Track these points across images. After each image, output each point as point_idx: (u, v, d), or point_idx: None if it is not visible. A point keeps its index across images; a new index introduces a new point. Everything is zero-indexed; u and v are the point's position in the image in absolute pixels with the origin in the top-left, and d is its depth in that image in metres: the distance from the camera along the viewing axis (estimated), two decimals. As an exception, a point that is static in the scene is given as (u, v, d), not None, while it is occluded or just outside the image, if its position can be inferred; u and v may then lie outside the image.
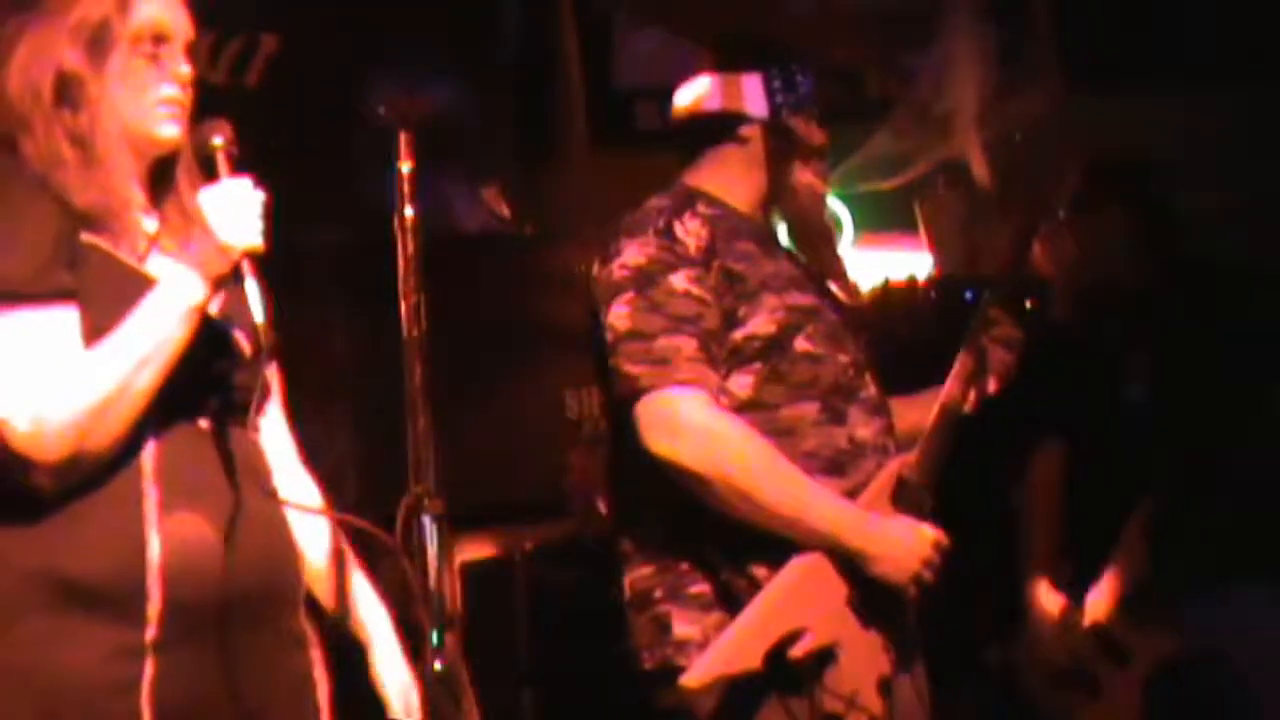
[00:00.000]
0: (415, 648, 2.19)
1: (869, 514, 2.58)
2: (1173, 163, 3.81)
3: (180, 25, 2.21)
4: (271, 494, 2.22)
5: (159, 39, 2.17)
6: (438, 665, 2.14)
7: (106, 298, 2.05)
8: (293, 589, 2.24)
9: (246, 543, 2.10)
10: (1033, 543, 3.56)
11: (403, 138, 2.33)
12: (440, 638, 2.15)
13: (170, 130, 2.17)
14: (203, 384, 2.13)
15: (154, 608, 2.03)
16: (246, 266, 2.07)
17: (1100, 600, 3.40)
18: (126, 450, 2.05)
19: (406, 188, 2.31)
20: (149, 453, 2.07)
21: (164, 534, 2.04)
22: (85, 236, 2.07)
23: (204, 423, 2.14)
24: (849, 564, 2.55)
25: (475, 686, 2.27)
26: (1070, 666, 3.41)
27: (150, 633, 2.03)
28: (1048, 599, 3.46)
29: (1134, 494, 3.40)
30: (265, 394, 2.25)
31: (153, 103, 2.16)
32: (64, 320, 2.03)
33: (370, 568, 2.49)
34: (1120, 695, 3.38)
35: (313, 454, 2.47)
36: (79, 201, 2.07)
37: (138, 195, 2.19)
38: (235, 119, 2.26)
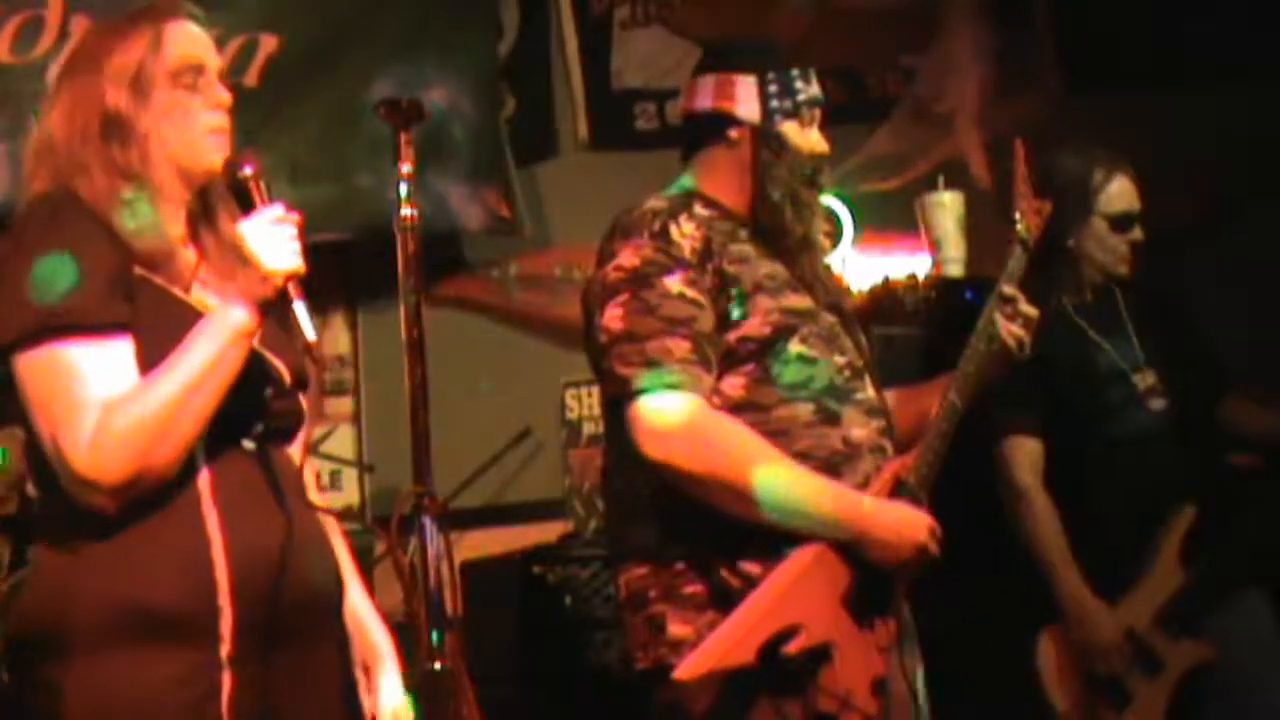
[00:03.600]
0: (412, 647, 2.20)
1: (865, 497, 2.57)
2: (1171, 163, 3.80)
3: (210, 56, 2.30)
4: (311, 505, 2.30)
5: (196, 71, 2.26)
6: (437, 665, 2.15)
7: (158, 328, 2.14)
8: (337, 596, 2.34)
9: (298, 555, 2.18)
10: (1051, 542, 3.49)
11: (403, 138, 2.33)
12: (440, 638, 2.15)
13: (219, 158, 2.25)
14: (248, 408, 2.20)
15: (227, 624, 2.11)
16: (291, 289, 2.13)
17: (1138, 607, 3.41)
18: (182, 477, 2.13)
19: (406, 188, 2.31)
20: (204, 478, 2.15)
21: (228, 552, 2.12)
22: (139, 270, 2.17)
23: (249, 445, 2.22)
24: (844, 562, 2.55)
25: (475, 686, 2.27)
26: (1104, 671, 3.40)
27: (225, 648, 2.11)
28: (1089, 601, 3.42)
29: (1164, 502, 3.42)
30: (306, 416, 2.35)
31: (201, 131, 2.25)
32: (122, 349, 2.12)
33: (370, 568, 2.51)
34: (1149, 705, 3.38)
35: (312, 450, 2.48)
36: (136, 246, 2.16)
37: (181, 227, 2.27)
38: (235, 119, 2.30)
